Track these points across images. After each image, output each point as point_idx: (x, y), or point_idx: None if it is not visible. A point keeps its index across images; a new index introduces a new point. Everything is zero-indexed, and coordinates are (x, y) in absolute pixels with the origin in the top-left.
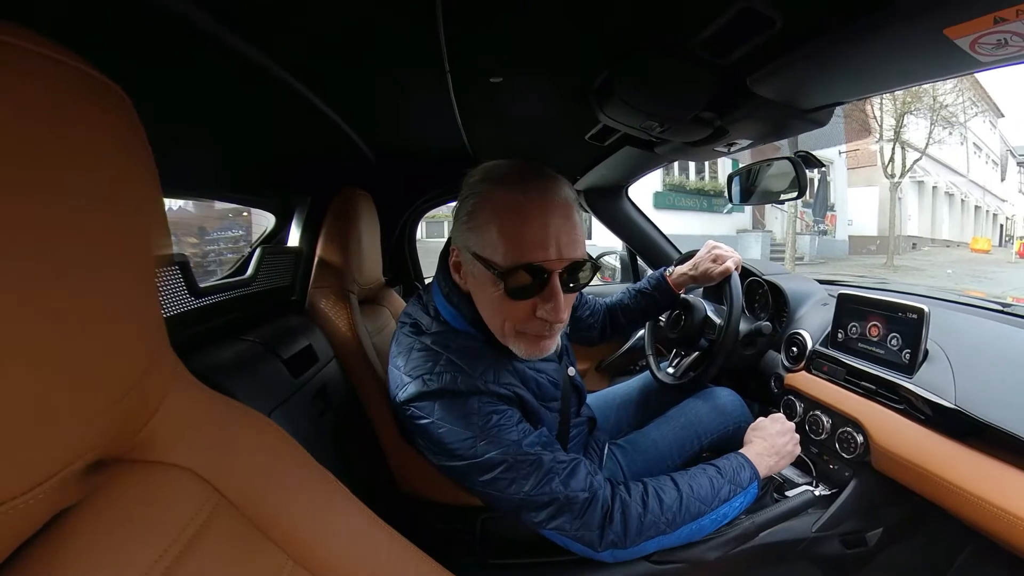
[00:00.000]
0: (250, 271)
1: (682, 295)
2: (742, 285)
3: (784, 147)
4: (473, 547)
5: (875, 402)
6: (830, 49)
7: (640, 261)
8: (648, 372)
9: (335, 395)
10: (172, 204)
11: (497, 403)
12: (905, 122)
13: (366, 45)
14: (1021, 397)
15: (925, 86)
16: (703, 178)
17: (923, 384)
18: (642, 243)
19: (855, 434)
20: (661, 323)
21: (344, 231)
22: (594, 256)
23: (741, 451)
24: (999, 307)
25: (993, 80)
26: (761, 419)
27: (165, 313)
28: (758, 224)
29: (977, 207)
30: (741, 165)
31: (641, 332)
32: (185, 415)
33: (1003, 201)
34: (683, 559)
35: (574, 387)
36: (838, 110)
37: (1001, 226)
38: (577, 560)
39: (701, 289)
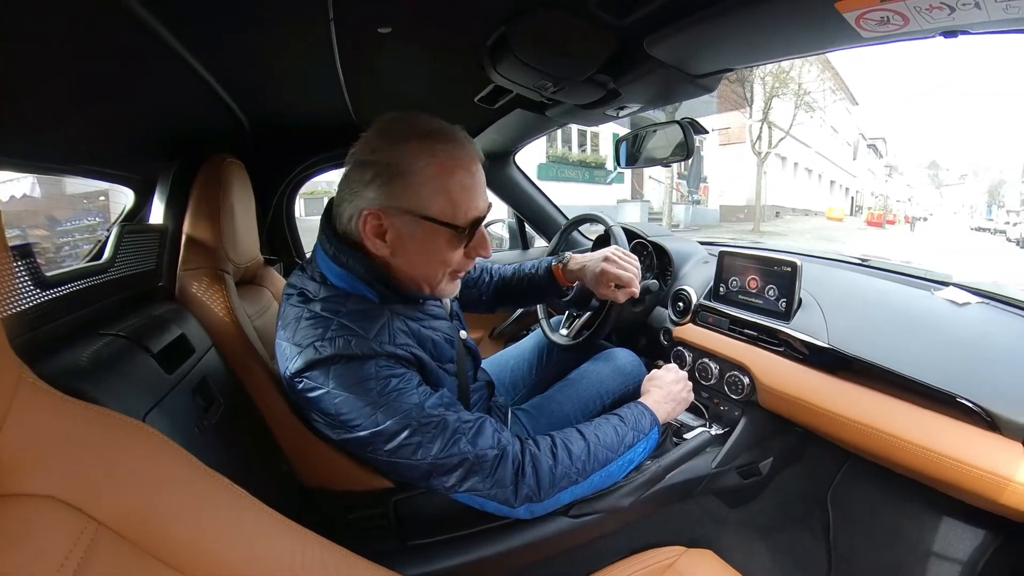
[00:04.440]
0: (107, 255)
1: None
2: (629, 246)
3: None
4: (390, 531)
5: (757, 347)
6: (727, 14)
7: (528, 228)
8: (538, 331)
9: (218, 388)
10: (12, 192)
11: (395, 366)
12: (772, 104)
13: None
14: (881, 334)
15: (792, 73)
16: (585, 150)
17: (799, 328)
18: (530, 210)
19: (741, 377)
20: None
21: (214, 204)
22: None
23: (640, 400)
24: (858, 261)
25: (851, 71)
26: (656, 370)
27: (3, 311)
28: (637, 194)
29: (832, 181)
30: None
31: None
32: (37, 432)
33: (854, 177)
34: (599, 509)
35: (468, 350)
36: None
37: (852, 198)
38: (498, 527)
39: (589, 247)
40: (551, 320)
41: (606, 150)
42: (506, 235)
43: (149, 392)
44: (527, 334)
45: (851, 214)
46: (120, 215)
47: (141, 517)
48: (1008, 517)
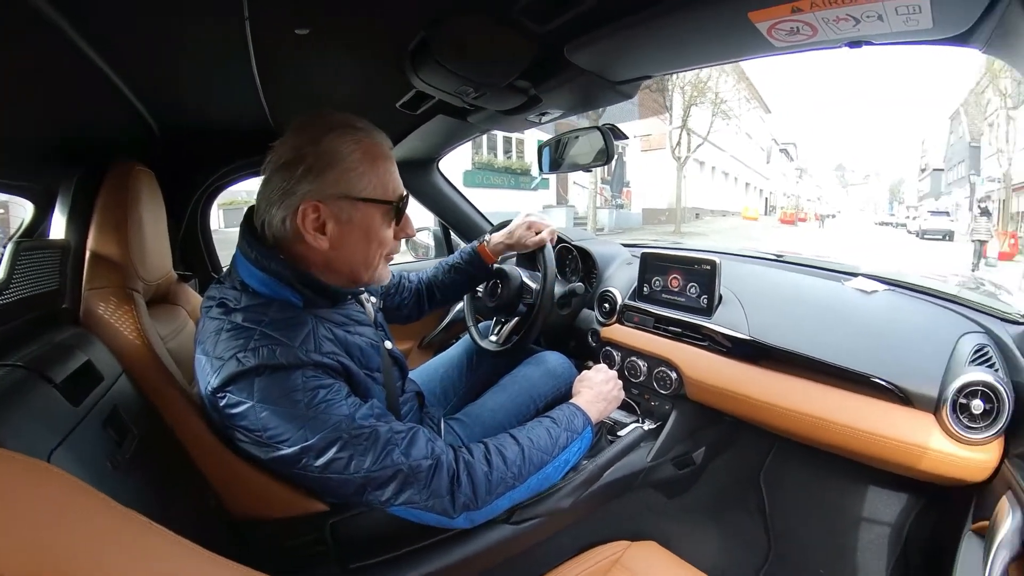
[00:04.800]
0: (1, 275)
1: (496, 264)
2: (553, 251)
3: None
4: (329, 557)
5: (682, 343)
6: (644, 23)
7: (454, 235)
8: (466, 338)
9: (131, 418)
10: None
11: (322, 376)
12: (691, 112)
13: None
14: (798, 324)
15: (709, 83)
16: (511, 157)
17: (721, 322)
18: (455, 217)
19: (669, 372)
20: (479, 294)
21: (121, 217)
22: None
23: (571, 401)
24: (774, 257)
25: (764, 81)
26: (586, 371)
27: None
28: (562, 200)
29: (748, 184)
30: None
31: (460, 305)
32: None
33: (768, 179)
34: (540, 513)
35: (394, 360)
36: (634, 98)
37: (766, 199)
38: (440, 541)
39: (514, 258)
40: (479, 326)
41: (532, 157)
42: (431, 243)
43: (54, 427)
44: (457, 342)
45: (766, 214)
46: (17, 230)
47: (52, 569)
48: (927, 481)
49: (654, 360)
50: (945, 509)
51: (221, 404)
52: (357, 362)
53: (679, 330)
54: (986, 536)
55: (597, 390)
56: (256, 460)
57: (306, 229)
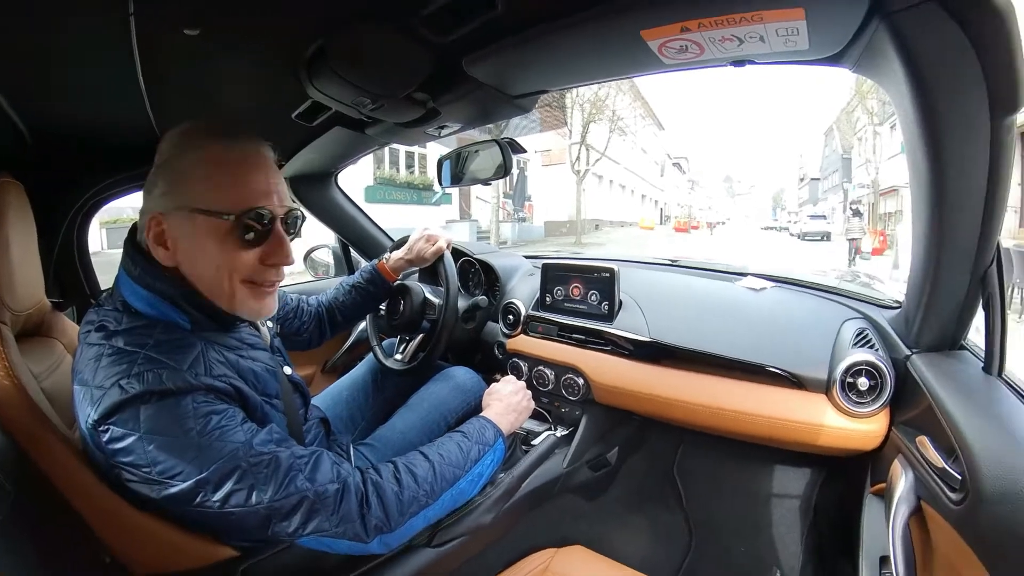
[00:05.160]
0: None
1: (398, 281)
2: (455, 265)
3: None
4: None
5: (587, 349)
6: (543, 38)
7: (354, 253)
8: (370, 358)
9: (3, 473)
10: None
11: (214, 401)
12: (590, 129)
13: None
14: (695, 323)
15: (607, 101)
16: (413, 172)
17: (622, 327)
18: (355, 233)
19: (576, 378)
20: (381, 312)
21: None
22: (304, 252)
23: (482, 415)
24: (669, 262)
25: (657, 99)
26: (494, 384)
27: None
28: (465, 215)
29: (644, 195)
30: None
31: (363, 325)
32: None
33: (662, 191)
34: (462, 532)
35: (294, 386)
36: (534, 113)
37: (661, 209)
38: (361, 574)
39: (417, 274)
40: (384, 345)
41: (434, 171)
42: (331, 261)
43: None
44: (361, 364)
45: (661, 223)
46: None
47: None
48: (828, 455)
49: (561, 368)
50: (846, 477)
51: (104, 439)
52: (252, 387)
53: (583, 337)
54: (885, 496)
55: (507, 402)
56: (150, 503)
57: (151, 242)
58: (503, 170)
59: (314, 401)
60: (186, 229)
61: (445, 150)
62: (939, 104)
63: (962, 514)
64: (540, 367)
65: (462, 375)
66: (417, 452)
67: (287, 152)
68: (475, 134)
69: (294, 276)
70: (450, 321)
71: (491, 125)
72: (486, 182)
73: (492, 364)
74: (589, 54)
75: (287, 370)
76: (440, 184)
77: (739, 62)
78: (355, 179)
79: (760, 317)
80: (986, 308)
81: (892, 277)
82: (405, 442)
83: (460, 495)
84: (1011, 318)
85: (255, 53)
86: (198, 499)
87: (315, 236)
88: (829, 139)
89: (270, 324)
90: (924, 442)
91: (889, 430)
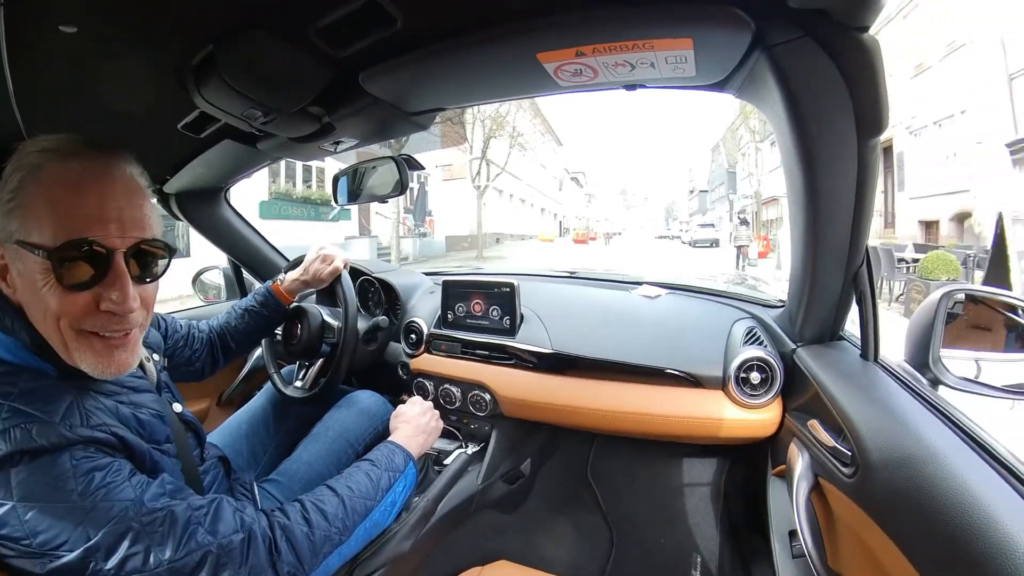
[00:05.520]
0: None
1: (294, 303)
2: (354, 285)
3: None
4: None
5: (491, 364)
6: (441, 57)
7: (246, 274)
8: (268, 388)
9: None
10: None
11: (96, 455)
12: (491, 144)
13: None
14: (595, 332)
15: (508, 117)
16: (310, 186)
17: (524, 340)
18: (247, 254)
19: (483, 394)
20: (277, 337)
21: None
22: (193, 274)
23: (390, 439)
24: (568, 274)
25: (556, 116)
26: (400, 406)
27: None
28: (364, 230)
29: (543, 209)
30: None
31: (258, 351)
32: None
33: (561, 204)
34: (382, 563)
35: (186, 425)
36: (435, 128)
37: (560, 222)
38: None
39: (314, 296)
40: (282, 372)
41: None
42: (222, 283)
43: None
44: (259, 394)
45: (560, 235)
46: None
47: None
48: (730, 445)
49: (466, 385)
50: (749, 463)
51: None
52: (137, 434)
53: (487, 352)
54: (786, 476)
55: (415, 423)
56: None
57: None
58: (400, 187)
59: (210, 438)
60: (18, 265)
61: (345, 164)
62: (812, 128)
63: (855, 485)
64: (446, 385)
65: (367, 399)
66: (325, 487)
67: (173, 166)
68: (375, 149)
69: (183, 300)
70: (351, 343)
71: (391, 140)
72: (384, 199)
73: (397, 385)
74: (486, 74)
75: (177, 407)
76: (336, 201)
77: (631, 86)
78: (248, 193)
79: (657, 323)
80: (859, 303)
81: (776, 277)
82: (312, 473)
83: (375, 527)
84: (881, 306)
85: (137, 56)
86: (89, 569)
87: (208, 257)
88: (716, 154)
89: (156, 357)
90: (815, 425)
91: (783, 417)
